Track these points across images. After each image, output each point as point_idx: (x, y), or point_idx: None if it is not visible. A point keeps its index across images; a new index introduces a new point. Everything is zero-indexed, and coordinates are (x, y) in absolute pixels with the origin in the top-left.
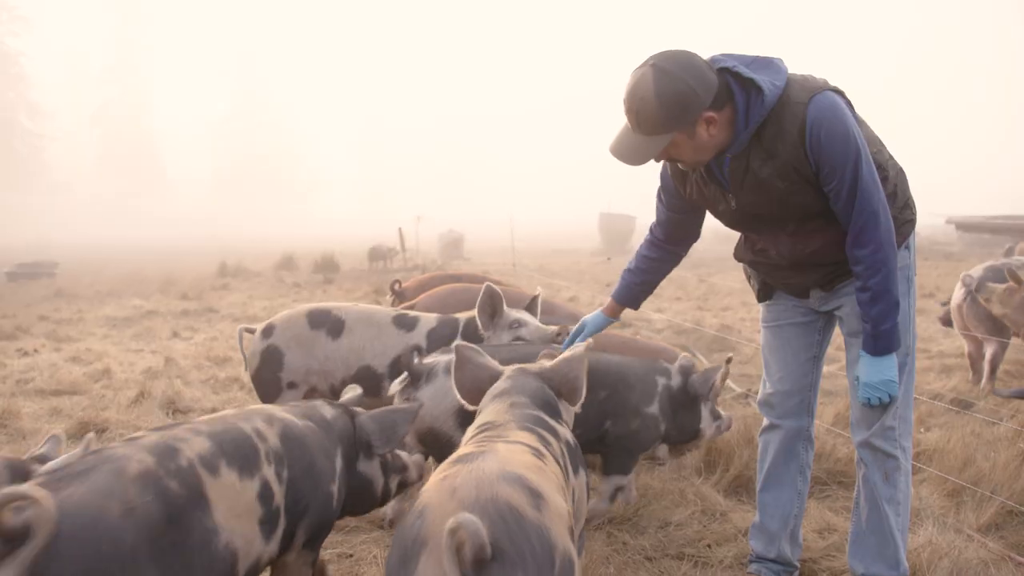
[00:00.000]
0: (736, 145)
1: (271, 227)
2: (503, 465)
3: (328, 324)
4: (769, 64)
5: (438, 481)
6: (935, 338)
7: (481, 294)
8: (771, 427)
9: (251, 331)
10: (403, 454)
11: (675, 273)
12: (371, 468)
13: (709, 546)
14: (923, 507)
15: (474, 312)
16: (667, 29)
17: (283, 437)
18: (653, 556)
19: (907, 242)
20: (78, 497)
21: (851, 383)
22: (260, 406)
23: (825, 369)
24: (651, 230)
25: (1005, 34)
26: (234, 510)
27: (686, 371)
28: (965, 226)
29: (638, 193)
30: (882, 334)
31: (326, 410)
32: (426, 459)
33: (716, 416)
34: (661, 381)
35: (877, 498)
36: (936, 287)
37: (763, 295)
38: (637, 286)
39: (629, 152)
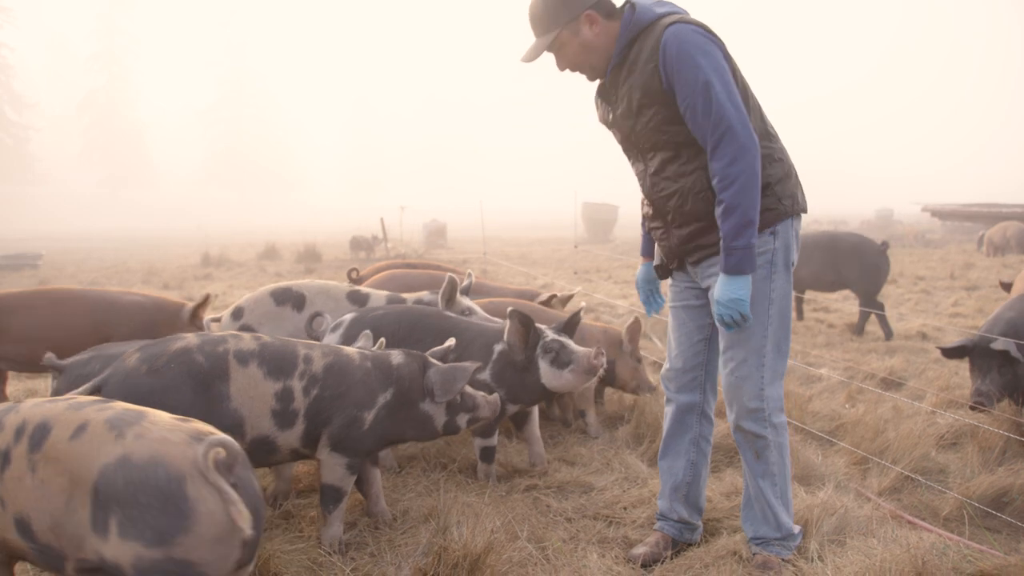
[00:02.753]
0: (615, 56)
1: (257, 217)
2: None
3: (292, 299)
4: (667, 3)
5: None
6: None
7: (445, 283)
8: (668, 401)
9: (217, 320)
10: (478, 395)
11: None
12: (434, 408)
13: (625, 508)
14: (827, 472)
15: (421, 293)
16: None
17: (328, 367)
18: (572, 517)
19: (772, 229)
20: (135, 355)
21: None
22: (340, 346)
23: None
24: None
25: (992, 29)
26: (248, 392)
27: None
28: (940, 213)
29: (621, 181)
30: (733, 250)
31: (397, 358)
32: None
33: (563, 363)
34: (497, 347)
35: (753, 474)
36: (900, 272)
37: (661, 272)
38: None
39: (529, 53)
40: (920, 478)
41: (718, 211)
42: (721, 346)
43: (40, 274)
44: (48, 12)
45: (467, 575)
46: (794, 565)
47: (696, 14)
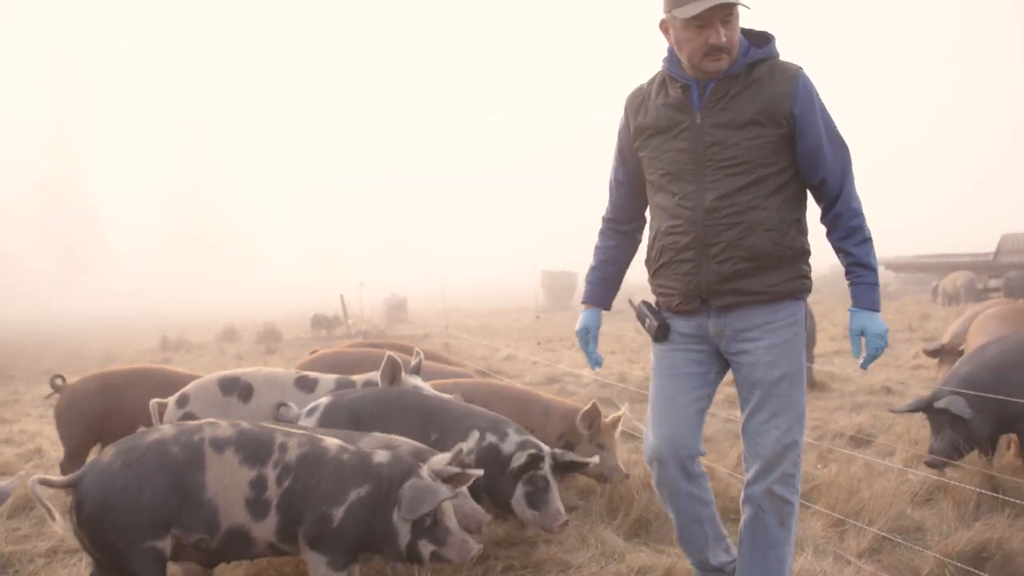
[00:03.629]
0: (737, 66)
1: (215, 296)
2: None
3: (238, 389)
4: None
5: None
6: (851, 377)
7: (384, 362)
8: (661, 483)
9: (163, 403)
10: (455, 531)
11: (614, 326)
12: (401, 524)
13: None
14: (805, 537)
15: (372, 374)
16: (607, 88)
17: (302, 457)
18: None
19: (802, 296)
20: (110, 451)
21: (747, 427)
22: (322, 436)
23: (737, 413)
24: (603, 220)
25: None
26: (222, 480)
27: (523, 446)
28: (895, 266)
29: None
30: (875, 286)
31: (382, 456)
32: None
33: (535, 505)
34: (490, 437)
35: (772, 541)
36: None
37: (660, 334)
38: (604, 281)
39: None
40: (898, 538)
41: (857, 241)
42: (764, 414)
43: None
44: (1, 99)
45: None
46: None
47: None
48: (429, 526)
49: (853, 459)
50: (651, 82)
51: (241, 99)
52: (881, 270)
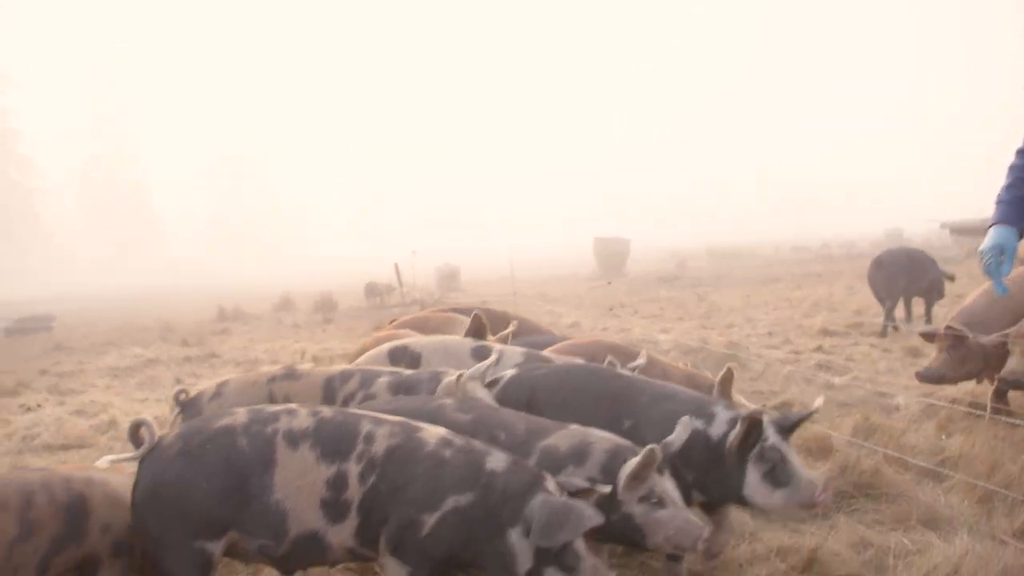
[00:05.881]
0: None
1: (267, 270)
2: None
3: (407, 359)
4: None
5: None
6: None
7: (471, 319)
8: None
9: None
10: (585, 556)
11: (673, 293)
12: (521, 545)
13: (740, 565)
14: (954, 515)
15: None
16: (638, 70)
17: (391, 451)
18: None
19: None
20: (176, 431)
21: None
22: (421, 425)
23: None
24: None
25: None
26: (295, 481)
27: (734, 422)
28: (960, 229)
29: (628, 218)
30: None
31: (499, 462)
32: None
33: (782, 481)
34: (694, 422)
35: None
36: None
37: None
38: (1020, 200)
39: None
40: None
41: None
42: None
43: (54, 336)
44: (49, 79)
45: None
46: None
47: (715, 25)
48: (559, 551)
49: (973, 427)
50: None
51: (289, 72)
52: (935, 235)
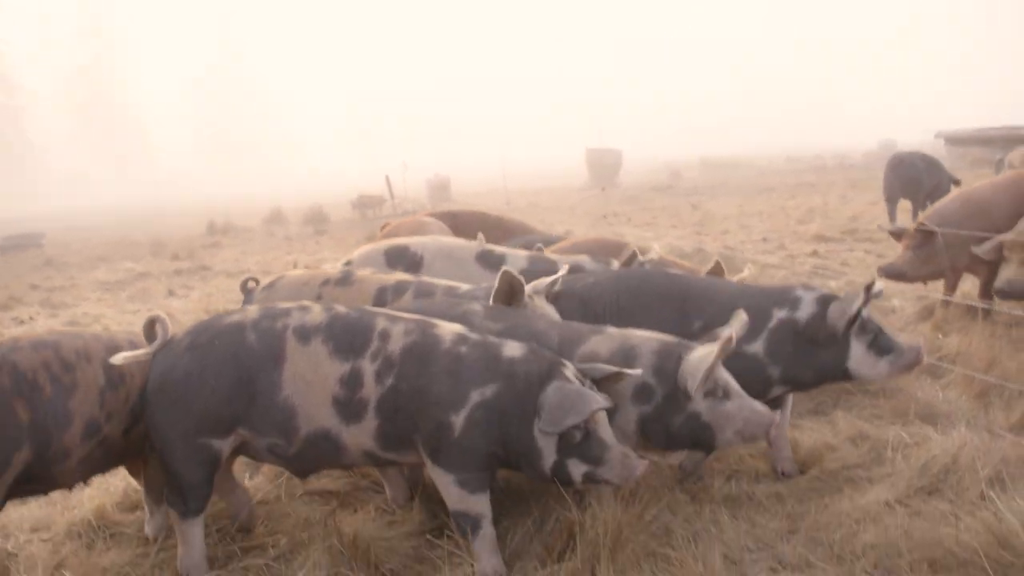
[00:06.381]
0: None
1: (257, 184)
2: None
3: (406, 262)
4: None
5: None
6: None
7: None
8: None
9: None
10: (613, 445)
11: (667, 202)
12: (544, 439)
13: (740, 458)
14: (952, 409)
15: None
16: None
17: (408, 349)
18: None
19: None
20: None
21: None
22: (435, 322)
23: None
24: None
25: None
26: (305, 376)
27: (824, 301)
28: (955, 140)
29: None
30: None
31: (514, 350)
32: None
33: (885, 349)
34: (778, 314)
35: None
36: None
37: None
38: None
39: None
40: None
41: None
42: None
43: (45, 253)
44: None
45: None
46: (971, 516)
47: None
48: (580, 442)
49: (968, 327)
50: None
51: None
52: (928, 146)
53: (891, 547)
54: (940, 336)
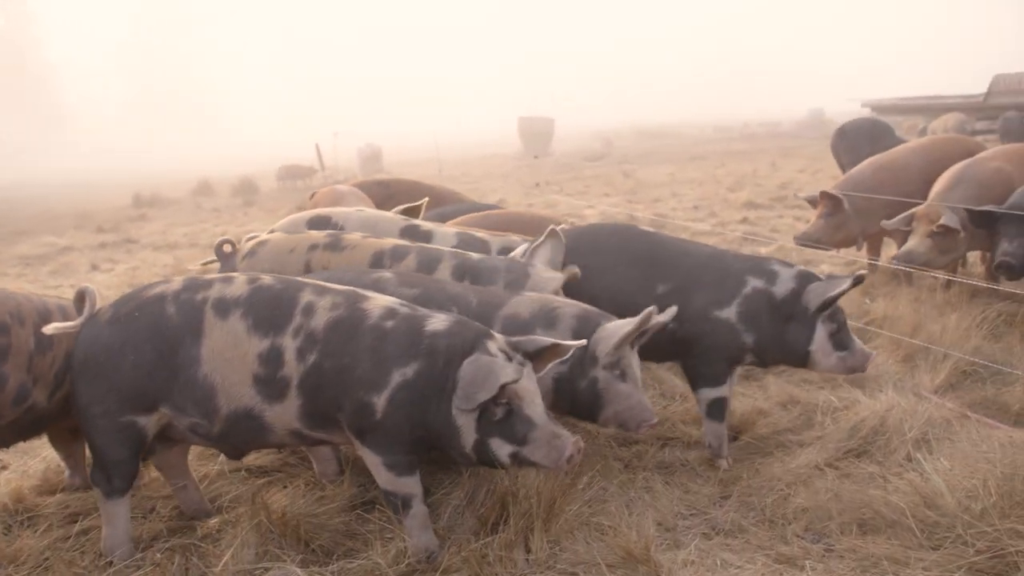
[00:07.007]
0: None
1: (185, 154)
2: None
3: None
4: None
5: None
6: None
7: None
8: None
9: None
10: (541, 425)
11: (600, 171)
12: (462, 417)
13: (674, 424)
14: (880, 373)
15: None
16: None
17: (333, 324)
18: (625, 442)
19: None
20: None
21: None
22: (364, 293)
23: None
24: None
25: None
26: (223, 353)
27: (803, 279)
28: (880, 108)
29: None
30: None
31: (438, 323)
32: None
33: (842, 345)
34: (753, 282)
35: None
36: None
37: None
38: None
39: None
40: (987, 365)
41: None
42: None
43: None
44: None
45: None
46: (898, 477)
47: None
48: (501, 419)
49: (895, 292)
50: None
51: None
52: (855, 114)
53: (821, 510)
54: (868, 301)
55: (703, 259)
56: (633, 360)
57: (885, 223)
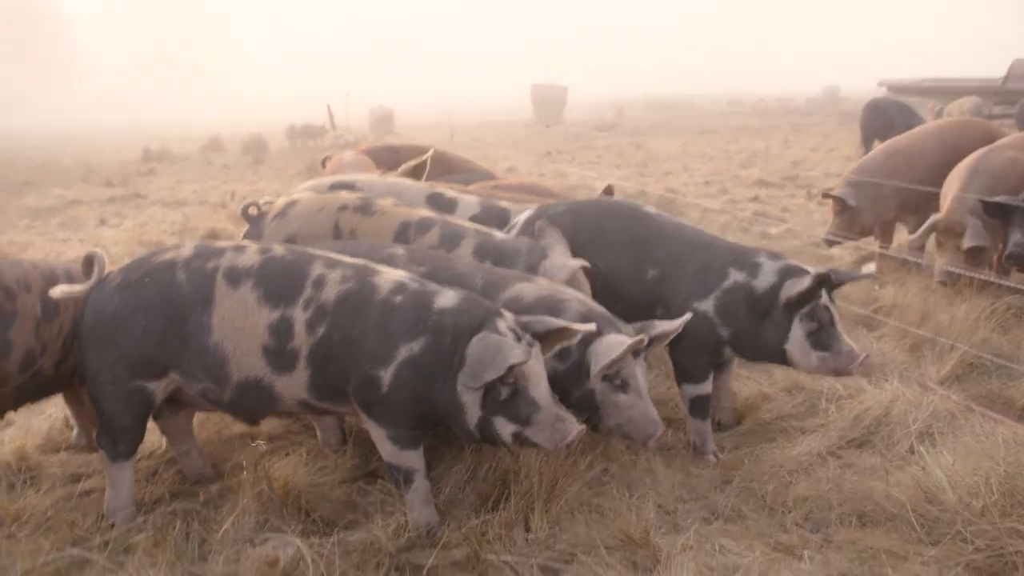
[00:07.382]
0: None
1: (195, 109)
2: None
3: None
4: None
5: None
6: None
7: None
8: None
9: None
10: (546, 407)
11: (611, 141)
12: (467, 394)
13: (677, 405)
14: (886, 361)
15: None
16: None
17: (343, 297)
18: None
19: None
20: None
21: None
22: (377, 268)
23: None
24: None
25: None
26: (234, 322)
27: (784, 273)
28: (897, 89)
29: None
30: None
31: (447, 299)
32: None
33: (823, 345)
34: (734, 275)
35: None
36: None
37: None
38: None
39: None
40: (993, 360)
41: None
42: None
43: None
44: None
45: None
46: (900, 470)
47: None
48: (507, 399)
49: (905, 279)
50: None
51: None
52: (870, 93)
53: (822, 500)
54: (876, 287)
55: (693, 247)
56: (637, 369)
57: (911, 238)
